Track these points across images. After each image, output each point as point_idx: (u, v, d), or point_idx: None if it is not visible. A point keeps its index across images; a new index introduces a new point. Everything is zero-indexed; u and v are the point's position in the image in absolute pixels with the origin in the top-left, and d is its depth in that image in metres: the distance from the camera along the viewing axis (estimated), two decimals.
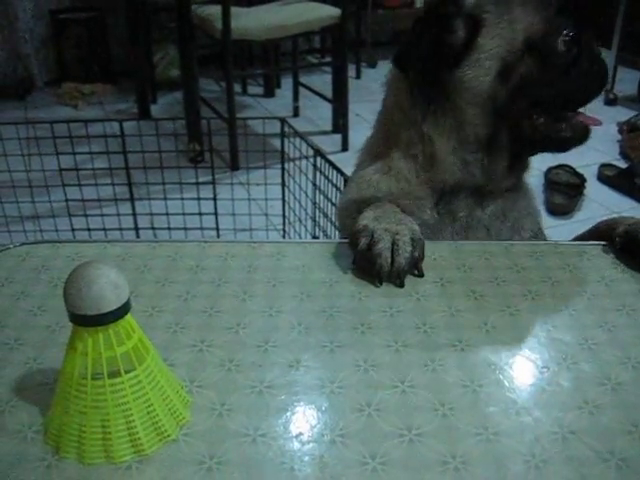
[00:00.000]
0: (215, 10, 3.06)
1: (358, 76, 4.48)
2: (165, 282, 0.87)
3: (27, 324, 0.80)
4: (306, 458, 0.60)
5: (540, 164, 3.28)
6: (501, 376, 0.70)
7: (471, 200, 1.07)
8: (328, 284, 0.87)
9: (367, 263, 0.88)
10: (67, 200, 2.51)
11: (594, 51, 1.06)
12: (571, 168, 3.13)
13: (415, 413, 0.65)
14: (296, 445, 0.62)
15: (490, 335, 0.77)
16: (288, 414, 0.65)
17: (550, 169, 3.15)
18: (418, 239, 0.90)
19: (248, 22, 3.15)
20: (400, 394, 0.67)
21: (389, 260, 0.87)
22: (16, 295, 0.85)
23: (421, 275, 0.89)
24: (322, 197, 1.99)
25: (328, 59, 4.69)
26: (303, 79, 3.95)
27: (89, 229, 2.53)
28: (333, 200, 1.92)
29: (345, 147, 3.42)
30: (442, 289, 0.86)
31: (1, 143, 2.41)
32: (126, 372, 0.60)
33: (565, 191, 3.01)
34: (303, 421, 0.65)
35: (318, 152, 1.98)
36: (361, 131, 4.05)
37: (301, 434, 0.63)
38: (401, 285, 0.87)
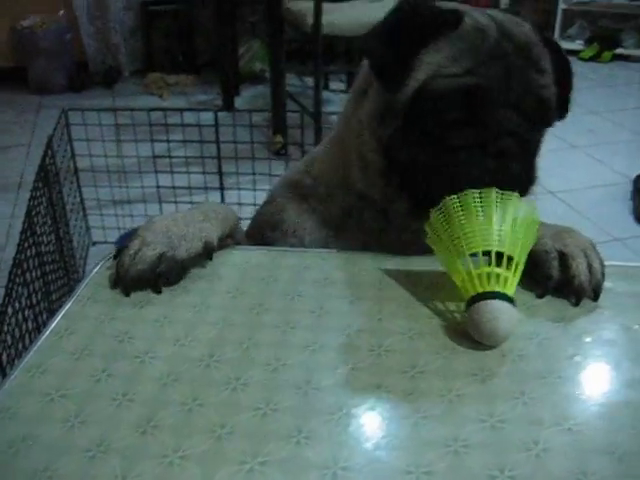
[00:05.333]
0: (306, 5, 3.09)
1: None
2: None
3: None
4: None
5: (628, 170, 3.20)
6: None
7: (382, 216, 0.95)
8: None
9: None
10: (158, 187, 2.58)
11: (505, 143, 0.82)
12: None
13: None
14: None
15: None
16: None
17: (639, 176, 3.07)
18: (171, 258, 0.83)
19: (338, 18, 3.16)
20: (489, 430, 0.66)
21: (126, 267, 0.82)
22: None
23: (158, 292, 0.83)
24: None
25: None
26: None
27: None
28: None
29: None
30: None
31: (100, 129, 2.50)
32: None
33: None
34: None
35: None
36: None
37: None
38: (126, 295, 0.82)
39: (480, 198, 0.79)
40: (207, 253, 0.88)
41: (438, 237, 0.80)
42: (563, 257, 0.82)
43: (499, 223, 0.77)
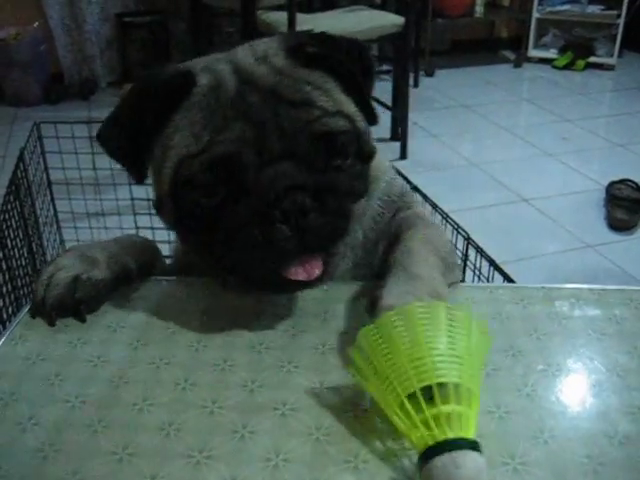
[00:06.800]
0: (280, 16, 3.11)
1: (416, 85, 4.48)
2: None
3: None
4: None
5: (602, 177, 3.23)
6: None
7: None
8: None
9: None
10: (133, 199, 2.56)
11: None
12: (634, 183, 3.07)
13: None
14: None
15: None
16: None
17: (612, 183, 3.11)
18: (87, 280, 0.80)
19: (311, 28, 3.18)
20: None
21: (39, 295, 0.80)
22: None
23: (82, 320, 0.80)
24: None
25: (385, 67, 4.71)
26: None
27: (152, 228, 2.58)
28: None
29: (404, 155, 3.42)
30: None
31: (73, 141, 2.49)
32: None
33: (627, 206, 2.96)
34: None
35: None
36: (419, 139, 4.03)
37: None
38: (50, 324, 0.79)
39: (427, 313, 0.64)
40: (124, 277, 0.85)
41: (370, 365, 0.64)
42: None
43: (451, 348, 0.63)
